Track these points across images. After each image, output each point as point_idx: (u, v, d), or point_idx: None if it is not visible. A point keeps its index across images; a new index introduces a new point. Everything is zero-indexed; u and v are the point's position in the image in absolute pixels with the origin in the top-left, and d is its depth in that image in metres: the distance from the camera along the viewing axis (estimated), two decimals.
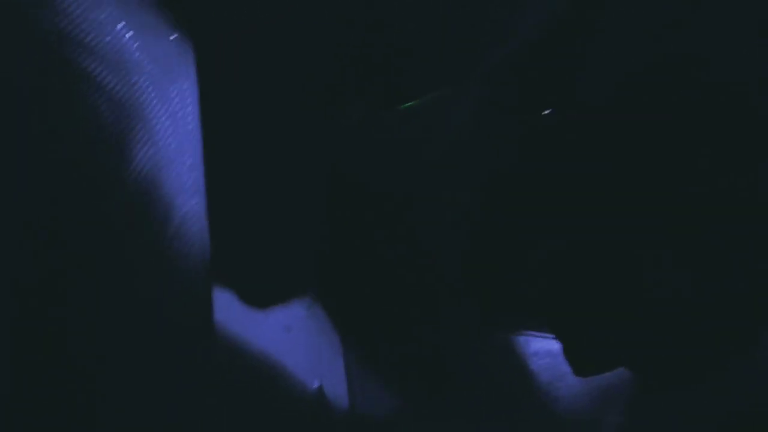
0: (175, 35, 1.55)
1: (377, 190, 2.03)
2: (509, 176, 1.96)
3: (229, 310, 1.83)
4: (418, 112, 1.99)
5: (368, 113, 2.00)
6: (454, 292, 2.00)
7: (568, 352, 2.01)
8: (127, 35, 1.36)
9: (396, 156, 2.02)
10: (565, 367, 1.97)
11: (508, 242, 2.01)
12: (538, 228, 1.98)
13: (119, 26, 1.33)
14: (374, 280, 2.02)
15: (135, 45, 1.38)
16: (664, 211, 1.72)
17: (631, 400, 1.95)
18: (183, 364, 1.61)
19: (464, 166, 1.98)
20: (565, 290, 1.98)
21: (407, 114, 1.99)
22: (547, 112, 1.89)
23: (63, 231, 1.21)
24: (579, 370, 2.01)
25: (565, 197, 1.93)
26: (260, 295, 1.88)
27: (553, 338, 1.98)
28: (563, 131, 1.86)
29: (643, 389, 1.96)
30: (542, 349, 2.00)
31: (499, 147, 1.95)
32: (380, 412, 1.92)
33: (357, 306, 2.01)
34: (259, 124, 1.86)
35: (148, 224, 1.43)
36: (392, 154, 2.02)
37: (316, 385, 1.88)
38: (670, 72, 1.58)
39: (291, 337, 1.88)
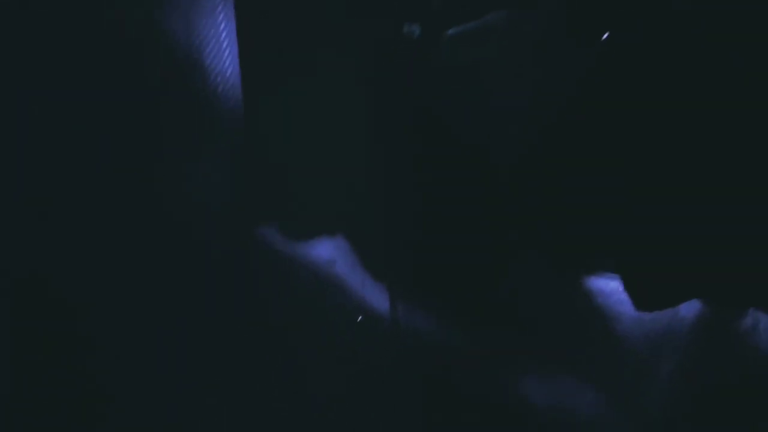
0: None
1: (441, 113, 1.95)
2: (570, 103, 1.84)
3: (273, 243, 1.81)
4: (479, 34, 1.87)
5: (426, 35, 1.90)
6: (514, 226, 1.93)
7: (630, 286, 1.93)
8: None
9: (457, 78, 1.91)
10: (619, 307, 1.90)
11: (569, 170, 1.91)
12: (599, 158, 1.88)
13: None
14: (431, 215, 1.96)
15: None
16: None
17: (685, 344, 1.87)
18: (221, 301, 1.63)
19: (525, 91, 1.87)
20: (629, 223, 1.88)
21: (467, 36, 1.87)
22: (604, 37, 1.76)
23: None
24: (640, 303, 1.94)
25: (625, 128, 1.81)
26: (304, 229, 1.85)
27: (608, 277, 1.90)
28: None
29: (700, 329, 1.88)
30: (597, 287, 1.92)
31: (560, 71, 1.83)
32: (423, 342, 1.91)
33: (409, 236, 1.97)
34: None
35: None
36: (453, 75, 1.92)
37: (359, 319, 1.87)
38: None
39: (335, 271, 1.86)
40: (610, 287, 1.89)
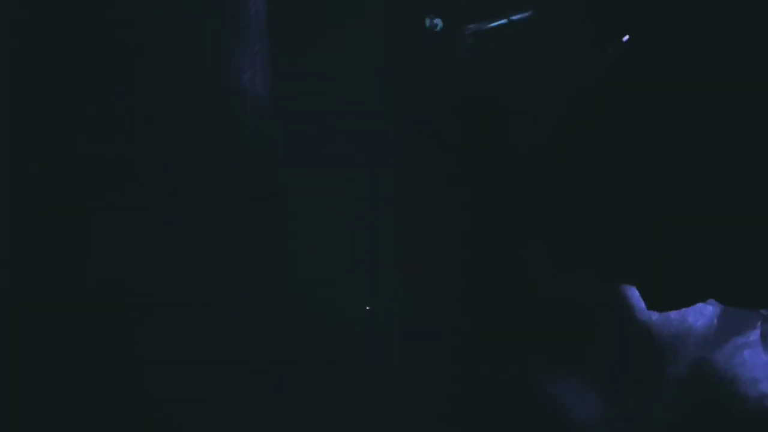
0: None
1: (459, 108, 1.94)
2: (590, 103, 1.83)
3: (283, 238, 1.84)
4: (501, 30, 1.86)
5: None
6: (524, 224, 1.93)
7: (642, 286, 1.92)
8: None
9: (477, 73, 1.91)
10: (629, 310, 1.91)
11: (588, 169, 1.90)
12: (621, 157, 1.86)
13: None
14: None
15: None
16: None
17: (693, 352, 1.88)
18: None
19: (545, 88, 1.86)
20: (641, 223, 1.87)
21: (488, 32, 1.87)
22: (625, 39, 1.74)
23: None
24: (651, 304, 1.93)
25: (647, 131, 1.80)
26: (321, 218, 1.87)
27: (619, 279, 1.90)
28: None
29: (708, 337, 1.89)
30: (606, 289, 1.92)
31: (581, 70, 1.81)
32: (425, 341, 1.92)
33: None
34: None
35: None
36: (473, 70, 1.91)
37: (367, 308, 1.89)
38: None
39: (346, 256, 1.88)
40: (620, 289, 1.89)
